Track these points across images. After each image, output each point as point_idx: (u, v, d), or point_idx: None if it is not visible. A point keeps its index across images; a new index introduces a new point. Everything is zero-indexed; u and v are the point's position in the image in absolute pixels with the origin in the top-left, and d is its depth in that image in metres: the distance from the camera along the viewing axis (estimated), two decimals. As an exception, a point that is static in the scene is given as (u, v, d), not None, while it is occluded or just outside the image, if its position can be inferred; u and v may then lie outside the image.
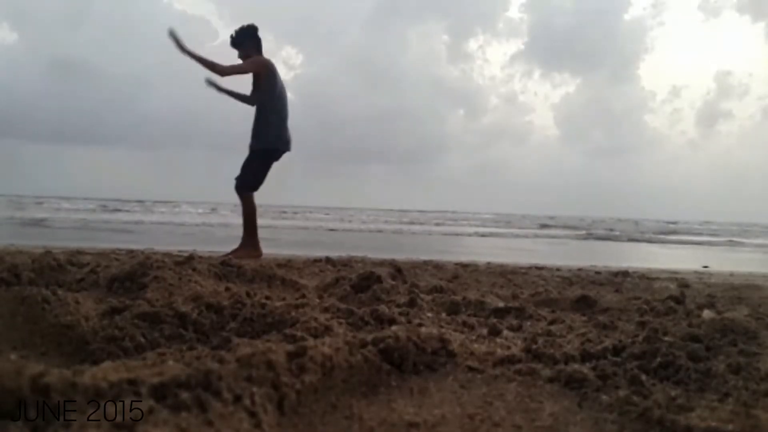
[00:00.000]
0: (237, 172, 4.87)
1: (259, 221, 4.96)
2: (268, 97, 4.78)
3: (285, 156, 4.95)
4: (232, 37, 4.76)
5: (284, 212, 26.16)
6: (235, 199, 4.92)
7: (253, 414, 0.82)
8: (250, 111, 4.94)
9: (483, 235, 15.65)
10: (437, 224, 22.70)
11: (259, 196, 4.94)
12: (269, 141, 4.81)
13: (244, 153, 4.94)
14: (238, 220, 5.23)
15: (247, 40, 4.77)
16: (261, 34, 4.84)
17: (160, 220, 15.86)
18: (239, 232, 4.93)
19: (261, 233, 4.97)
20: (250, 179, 4.84)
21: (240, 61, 4.77)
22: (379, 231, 15.45)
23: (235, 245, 4.82)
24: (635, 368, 1.24)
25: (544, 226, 24.10)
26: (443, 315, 2.03)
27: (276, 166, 4.94)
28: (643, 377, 1.20)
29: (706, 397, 1.10)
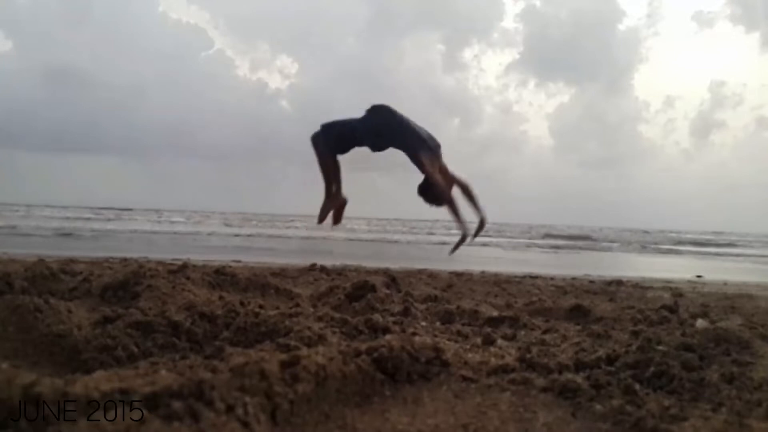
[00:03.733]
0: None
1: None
2: None
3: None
4: None
5: (279, 220, 26.14)
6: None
7: (245, 424, 0.81)
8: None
9: (477, 245, 15.65)
10: (431, 233, 22.72)
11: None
12: None
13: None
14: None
15: None
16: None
17: (153, 229, 15.80)
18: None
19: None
20: (332, 124, 3.51)
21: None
22: (374, 240, 15.44)
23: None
24: (629, 378, 1.24)
25: (540, 236, 24.15)
26: (437, 324, 2.03)
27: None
28: (637, 387, 1.20)
29: (699, 407, 1.10)
